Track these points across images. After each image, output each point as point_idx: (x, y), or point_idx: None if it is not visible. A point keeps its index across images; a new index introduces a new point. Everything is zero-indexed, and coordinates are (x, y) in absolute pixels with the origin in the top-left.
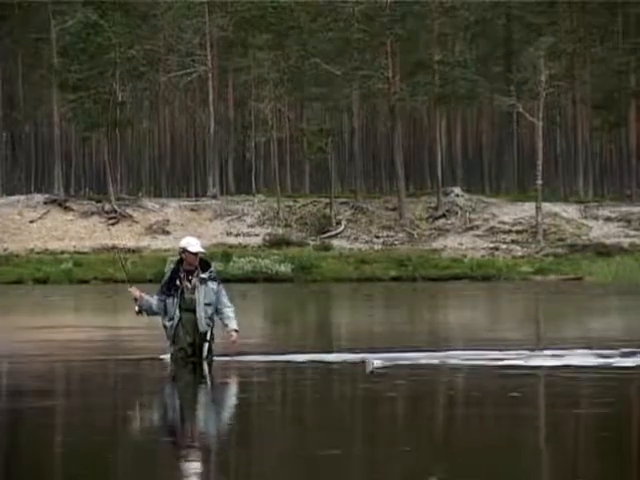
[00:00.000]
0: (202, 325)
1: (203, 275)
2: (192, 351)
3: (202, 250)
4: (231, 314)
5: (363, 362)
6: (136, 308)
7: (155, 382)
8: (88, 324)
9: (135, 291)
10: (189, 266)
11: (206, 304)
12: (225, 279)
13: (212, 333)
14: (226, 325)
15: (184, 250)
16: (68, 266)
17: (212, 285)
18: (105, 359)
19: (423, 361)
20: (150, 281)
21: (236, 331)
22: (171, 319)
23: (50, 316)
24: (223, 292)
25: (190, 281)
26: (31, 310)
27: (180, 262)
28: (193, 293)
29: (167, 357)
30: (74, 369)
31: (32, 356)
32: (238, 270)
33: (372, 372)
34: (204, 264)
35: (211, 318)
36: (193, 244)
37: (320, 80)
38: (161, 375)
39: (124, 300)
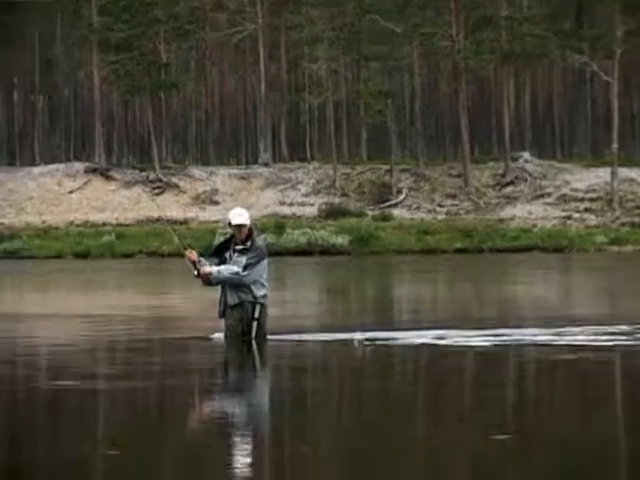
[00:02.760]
0: (229, 298)
1: (238, 247)
2: (241, 329)
3: (243, 222)
4: (231, 267)
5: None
6: (194, 272)
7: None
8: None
9: (192, 254)
10: (238, 239)
11: None
12: (278, 252)
13: (262, 311)
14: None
15: (229, 223)
16: (110, 239)
17: (238, 258)
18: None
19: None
20: (201, 255)
21: (210, 269)
22: (222, 293)
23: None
24: (245, 262)
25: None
26: (144, 285)
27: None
28: None
29: (219, 336)
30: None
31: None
32: (292, 242)
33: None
34: (248, 235)
35: (245, 292)
36: (236, 216)
37: (379, 38)
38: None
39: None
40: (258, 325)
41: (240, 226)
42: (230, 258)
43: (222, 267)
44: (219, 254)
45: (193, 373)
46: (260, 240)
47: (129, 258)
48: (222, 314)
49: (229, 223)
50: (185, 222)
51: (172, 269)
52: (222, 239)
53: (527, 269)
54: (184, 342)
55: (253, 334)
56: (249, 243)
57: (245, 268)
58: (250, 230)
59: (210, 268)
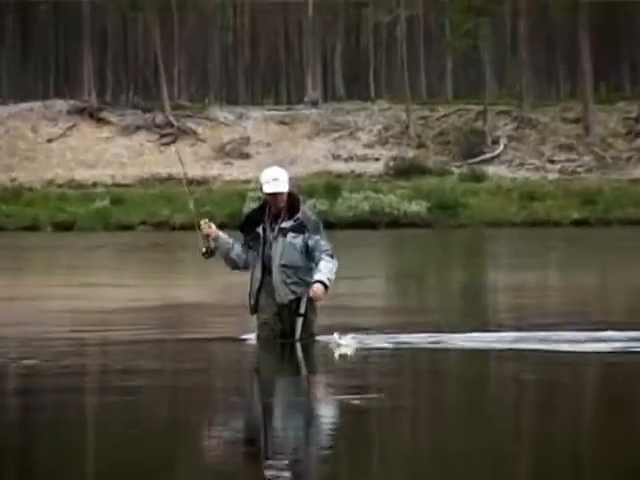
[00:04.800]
0: (279, 294)
1: (284, 224)
2: (280, 328)
3: (280, 190)
4: (325, 264)
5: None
6: (203, 248)
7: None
8: None
9: (208, 225)
10: (274, 209)
11: (283, 265)
12: (330, 224)
13: (309, 305)
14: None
15: (260, 188)
16: (103, 204)
17: (295, 239)
18: None
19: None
20: (221, 226)
21: (322, 283)
22: (254, 281)
23: None
24: (321, 243)
25: (274, 230)
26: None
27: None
28: (271, 248)
29: (252, 337)
30: None
31: None
32: (349, 210)
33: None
34: (292, 205)
35: (298, 284)
36: (271, 181)
37: None
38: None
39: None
40: (304, 322)
41: (276, 194)
42: (265, 237)
43: (325, 271)
44: (248, 230)
45: (220, 386)
46: (308, 209)
47: (128, 230)
48: (255, 309)
49: (260, 188)
50: (204, 182)
51: (186, 246)
52: (254, 206)
53: None
54: (206, 345)
55: (297, 334)
56: (299, 216)
57: (332, 254)
58: (293, 197)
59: (322, 283)
